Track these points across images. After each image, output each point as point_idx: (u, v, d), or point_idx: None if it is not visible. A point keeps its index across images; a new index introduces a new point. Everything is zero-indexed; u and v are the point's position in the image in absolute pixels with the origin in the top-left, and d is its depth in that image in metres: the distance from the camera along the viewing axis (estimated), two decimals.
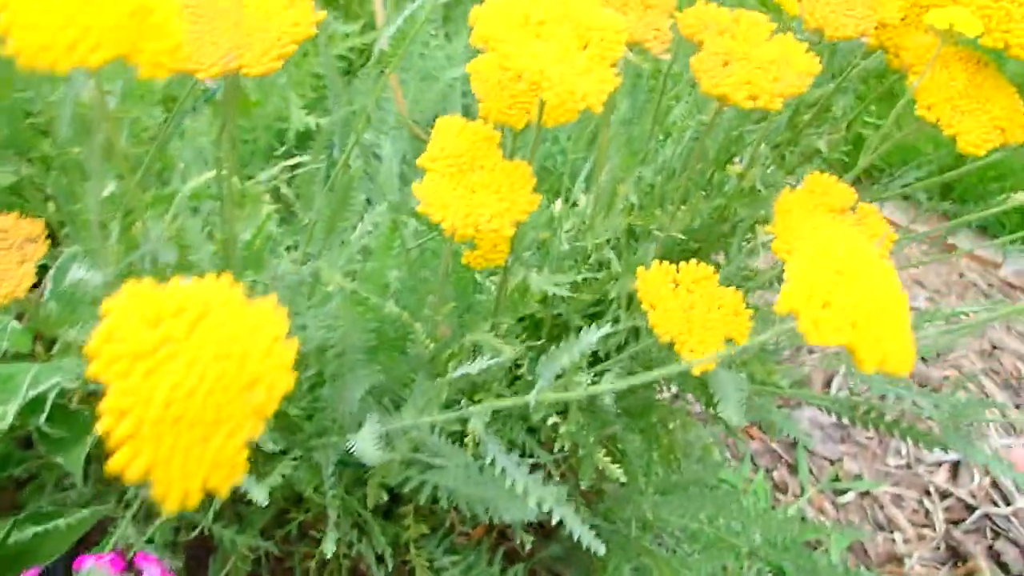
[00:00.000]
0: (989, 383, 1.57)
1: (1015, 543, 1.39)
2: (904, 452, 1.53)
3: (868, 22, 0.56)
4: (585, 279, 0.67)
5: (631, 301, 0.71)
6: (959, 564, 1.38)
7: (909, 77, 0.60)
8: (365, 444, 0.59)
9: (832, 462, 1.51)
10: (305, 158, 0.73)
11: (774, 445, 1.51)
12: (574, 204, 0.72)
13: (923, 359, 1.63)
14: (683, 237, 0.71)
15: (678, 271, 0.55)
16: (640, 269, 0.54)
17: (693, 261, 0.55)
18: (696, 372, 0.52)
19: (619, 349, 0.71)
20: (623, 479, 0.63)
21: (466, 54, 1.08)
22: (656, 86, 0.65)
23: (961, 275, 1.76)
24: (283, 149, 1.03)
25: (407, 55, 1.08)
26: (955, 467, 1.49)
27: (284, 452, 0.75)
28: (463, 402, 0.67)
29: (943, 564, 1.39)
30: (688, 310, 0.53)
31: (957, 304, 1.73)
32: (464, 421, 0.58)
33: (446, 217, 0.49)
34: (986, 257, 1.77)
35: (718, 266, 0.77)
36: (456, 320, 0.69)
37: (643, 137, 0.68)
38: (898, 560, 1.38)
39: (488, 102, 0.55)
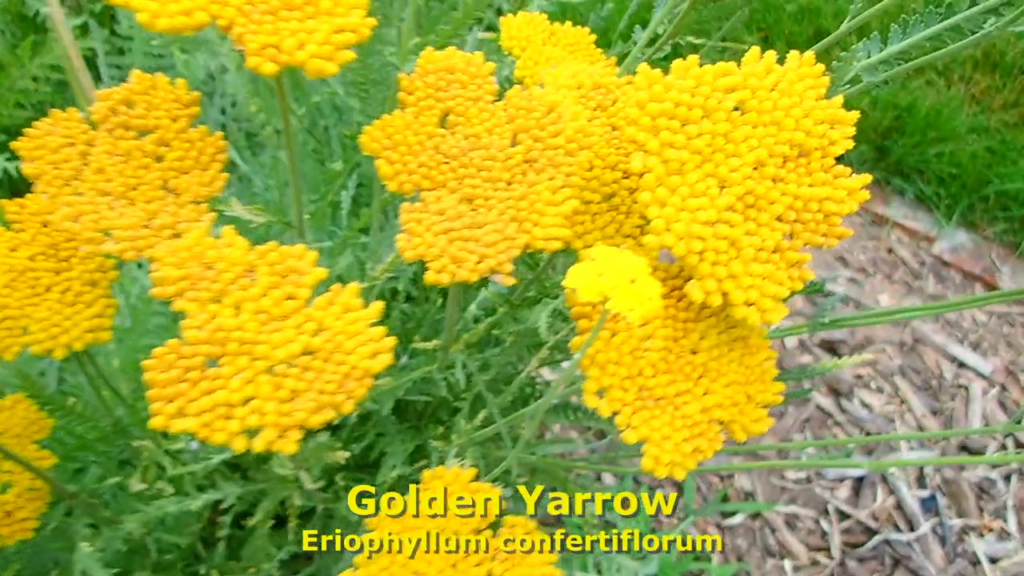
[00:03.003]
0: (905, 384, 1.41)
1: (915, 574, 1.26)
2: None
3: (506, 252, 0.33)
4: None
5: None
6: None
7: (573, 338, 0.36)
8: None
9: (722, 478, 1.35)
10: None
11: None
12: None
13: (836, 354, 1.46)
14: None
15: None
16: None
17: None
18: None
19: None
20: None
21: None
22: None
23: (890, 251, 1.57)
24: None
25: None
26: (858, 484, 1.34)
27: None
28: None
29: None
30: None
31: (882, 284, 1.55)
32: None
33: None
34: (918, 230, 1.58)
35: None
36: None
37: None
38: None
39: None
